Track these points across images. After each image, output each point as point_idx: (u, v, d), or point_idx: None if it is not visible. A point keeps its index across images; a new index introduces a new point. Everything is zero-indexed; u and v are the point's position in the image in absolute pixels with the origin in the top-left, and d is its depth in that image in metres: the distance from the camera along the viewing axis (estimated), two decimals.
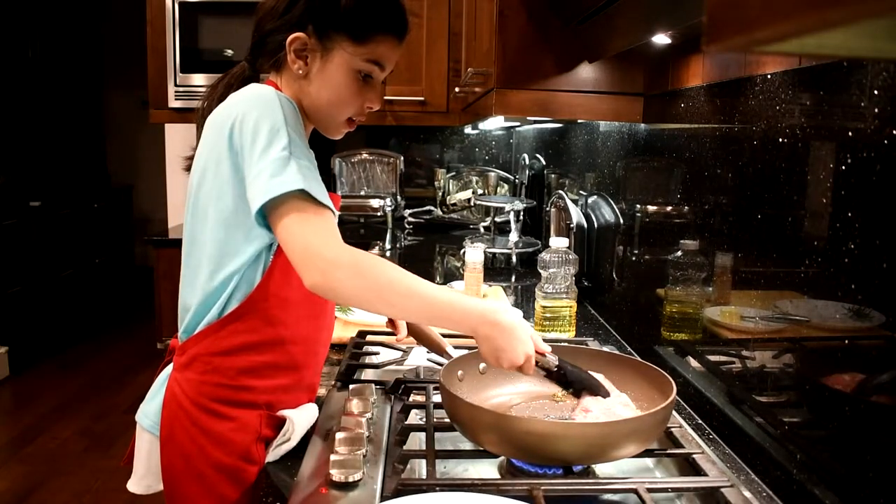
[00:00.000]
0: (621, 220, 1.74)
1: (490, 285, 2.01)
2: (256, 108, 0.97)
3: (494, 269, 2.45)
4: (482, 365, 1.12)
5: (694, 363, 1.26)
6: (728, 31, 0.38)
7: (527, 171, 2.84)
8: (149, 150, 5.82)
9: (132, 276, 5.95)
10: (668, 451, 0.99)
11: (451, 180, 3.30)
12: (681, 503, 0.92)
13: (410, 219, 3.22)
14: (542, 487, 0.85)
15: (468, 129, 3.31)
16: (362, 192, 3.25)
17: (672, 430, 1.03)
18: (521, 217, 2.58)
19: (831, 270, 0.84)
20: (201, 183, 1.03)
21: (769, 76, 1.00)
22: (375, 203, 3.06)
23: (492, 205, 2.69)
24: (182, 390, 1.05)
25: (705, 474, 0.92)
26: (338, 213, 1.00)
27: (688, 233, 1.30)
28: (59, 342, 4.68)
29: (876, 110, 0.77)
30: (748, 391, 1.06)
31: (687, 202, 1.32)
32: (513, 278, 2.37)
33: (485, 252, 1.98)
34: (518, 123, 2.55)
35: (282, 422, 1.08)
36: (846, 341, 0.83)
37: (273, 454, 1.06)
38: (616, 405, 1.00)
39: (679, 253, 1.29)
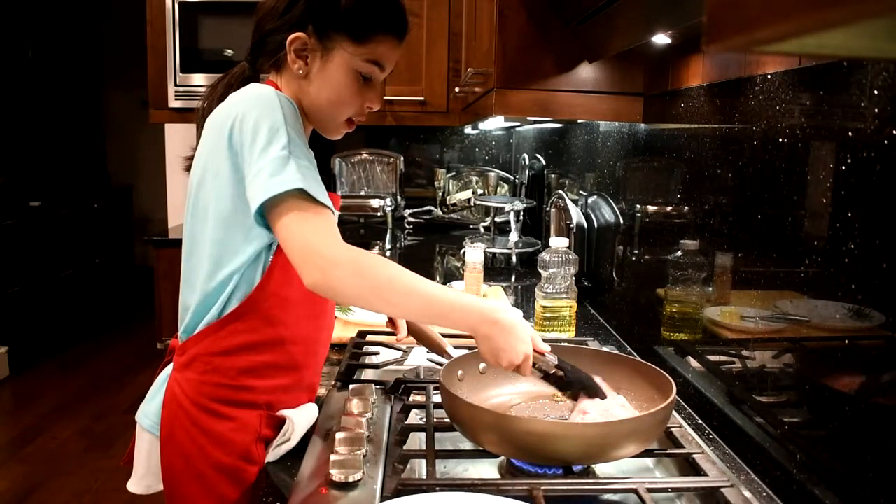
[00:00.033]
0: (621, 220, 1.74)
1: (490, 285, 2.01)
2: (256, 108, 0.97)
3: (494, 269, 2.45)
4: (482, 365, 1.12)
5: (694, 363, 1.26)
6: (728, 31, 0.38)
7: (527, 171, 2.84)
8: (149, 150, 5.82)
9: (132, 276, 5.95)
10: (668, 451, 0.99)
11: (451, 180, 3.30)
12: (681, 503, 0.92)
13: (410, 219, 3.22)
14: (542, 487, 0.85)
15: (468, 129, 3.31)
16: (362, 192, 3.25)
17: (672, 430, 1.03)
18: (521, 217, 2.58)
19: (831, 270, 0.84)
20: (201, 183, 1.03)
21: (769, 76, 1.00)
22: (375, 203, 3.06)
23: (492, 205, 2.69)
24: (182, 390, 1.05)
25: (705, 474, 0.92)
26: (337, 212, 1.00)
27: (688, 233, 1.30)
28: (59, 342, 4.68)
29: (876, 110, 0.77)
30: (748, 391, 1.06)
31: (687, 202, 1.32)
32: (513, 278, 2.37)
33: (485, 252, 1.98)
34: (518, 123, 2.55)
35: (282, 422, 1.08)
36: (846, 341, 0.83)
37: (273, 454, 1.06)
38: (613, 407, 0.99)
39: (679, 253, 1.29)
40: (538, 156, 2.80)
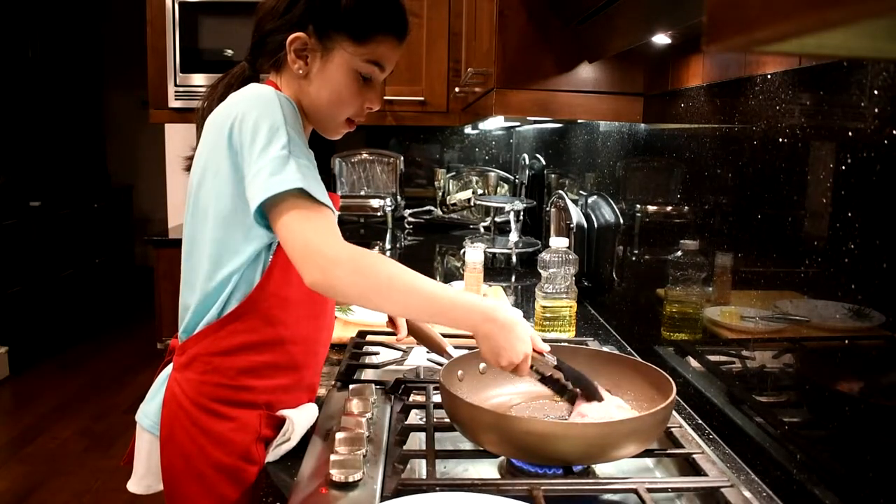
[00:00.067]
0: (621, 220, 1.74)
1: (490, 285, 2.01)
2: (256, 108, 0.97)
3: (494, 269, 2.45)
4: (482, 365, 1.12)
5: (694, 363, 1.26)
6: (728, 31, 0.38)
7: (527, 171, 2.84)
8: (149, 150, 5.82)
9: (132, 276, 5.95)
10: (668, 451, 0.99)
11: (451, 180, 3.30)
12: (681, 503, 0.92)
13: (410, 219, 3.22)
14: (542, 487, 0.85)
15: (468, 129, 3.31)
16: (362, 192, 3.25)
17: (672, 430, 1.03)
18: (521, 217, 2.58)
19: (831, 270, 0.84)
20: (201, 183, 1.03)
21: (769, 76, 1.00)
22: (375, 203, 3.06)
23: (492, 205, 2.69)
24: (182, 390, 1.05)
25: (705, 474, 0.92)
26: (337, 212, 1.00)
27: (688, 233, 1.30)
28: (59, 342, 4.68)
29: (876, 110, 0.77)
30: (748, 391, 1.06)
31: (687, 202, 1.32)
32: (513, 278, 2.37)
33: (485, 252, 1.98)
34: (518, 123, 2.55)
35: (282, 422, 1.08)
36: (846, 341, 0.83)
37: (273, 454, 1.06)
38: (611, 408, 0.99)
39: (679, 253, 1.29)
40: (538, 156, 2.80)
